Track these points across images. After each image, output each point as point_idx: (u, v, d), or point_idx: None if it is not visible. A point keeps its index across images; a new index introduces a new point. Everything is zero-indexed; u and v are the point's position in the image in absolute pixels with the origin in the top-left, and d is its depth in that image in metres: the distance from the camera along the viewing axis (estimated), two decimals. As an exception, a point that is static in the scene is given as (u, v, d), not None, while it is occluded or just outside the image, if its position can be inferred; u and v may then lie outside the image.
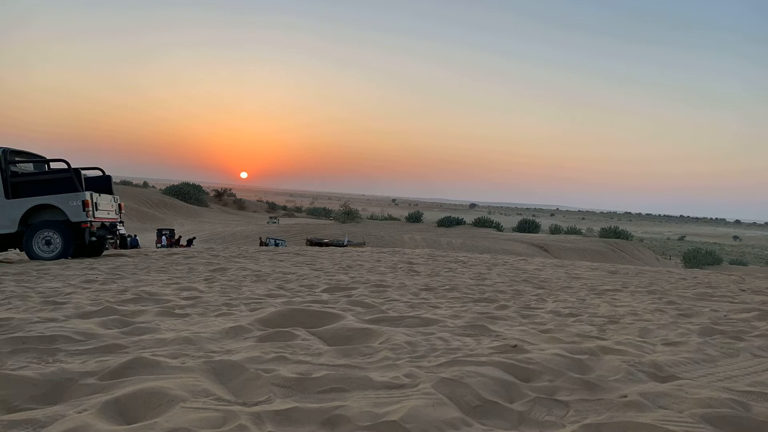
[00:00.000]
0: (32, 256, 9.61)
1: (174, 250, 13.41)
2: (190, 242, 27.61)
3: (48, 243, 9.65)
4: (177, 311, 3.66)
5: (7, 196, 9.66)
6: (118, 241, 10.86)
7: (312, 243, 30.00)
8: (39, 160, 10.56)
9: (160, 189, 70.18)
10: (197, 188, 69.14)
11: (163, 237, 28.18)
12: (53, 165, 10.45)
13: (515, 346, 2.70)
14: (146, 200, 54.21)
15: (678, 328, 3.62)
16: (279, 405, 1.80)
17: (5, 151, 9.77)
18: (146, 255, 10.74)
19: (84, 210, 9.71)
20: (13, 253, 11.18)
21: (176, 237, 29.16)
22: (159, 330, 2.97)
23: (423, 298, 4.84)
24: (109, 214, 10.60)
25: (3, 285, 5.27)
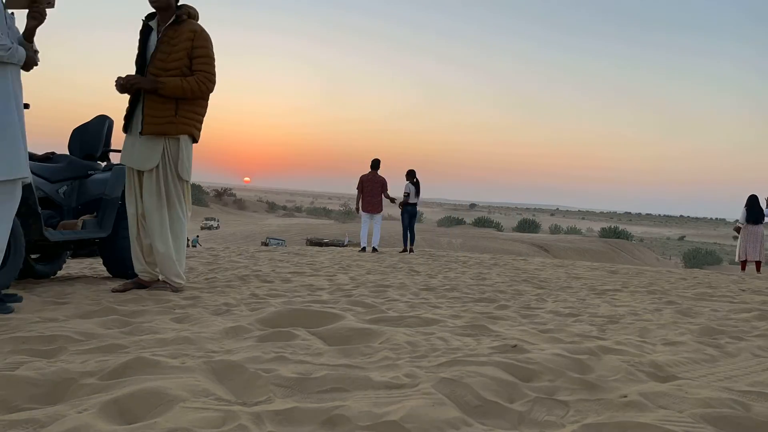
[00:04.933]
0: (32, 256, 9.62)
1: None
2: None
3: (48, 243, 9.67)
4: (177, 311, 3.66)
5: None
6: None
7: (312, 243, 30.00)
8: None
9: (160, 189, 70.17)
10: (197, 188, 69.21)
11: None
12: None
13: (515, 346, 2.70)
14: (146, 200, 54.19)
15: (678, 328, 3.62)
16: (279, 405, 1.80)
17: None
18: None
19: None
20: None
21: None
22: (159, 330, 2.97)
23: (423, 298, 4.84)
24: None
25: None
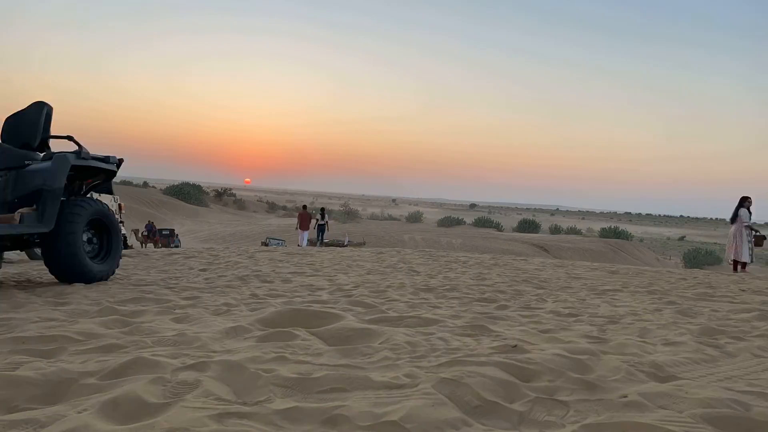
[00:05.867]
0: (32, 257, 9.61)
1: (174, 250, 13.41)
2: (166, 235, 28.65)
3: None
4: (177, 311, 3.66)
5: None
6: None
7: (312, 243, 30.11)
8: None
9: (161, 189, 70.29)
10: (197, 188, 69.25)
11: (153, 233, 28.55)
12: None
13: (515, 346, 2.70)
14: (146, 200, 54.26)
15: (678, 328, 3.62)
16: (279, 405, 1.80)
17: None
18: (146, 255, 10.74)
19: None
20: (13, 254, 11.18)
21: (156, 232, 29.34)
22: (159, 330, 2.97)
23: (423, 298, 4.84)
24: (109, 214, 10.61)
25: (3, 285, 5.27)
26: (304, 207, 24.74)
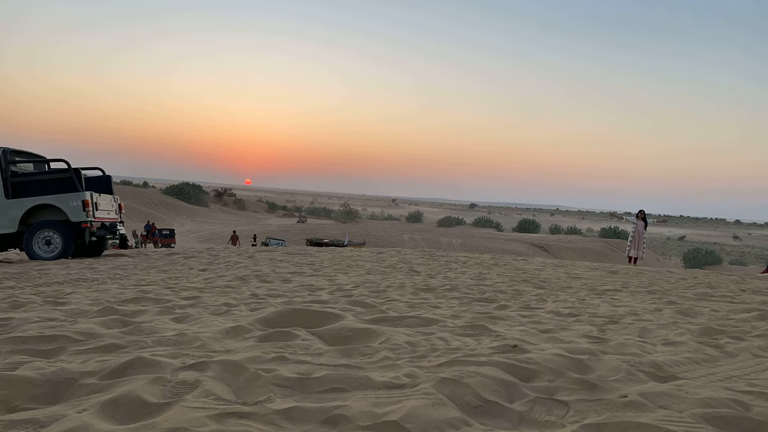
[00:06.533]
0: (32, 256, 9.62)
1: (174, 250, 13.40)
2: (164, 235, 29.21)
3: (48, 243, 9.66)
4: (177, 311, 3.66)
5: (7, 196, 9.66)
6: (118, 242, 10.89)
7: (312, 243, 30.16)
8: (39, 160, 10.57)
9: (161, 189, 70.32)
10: (197, 188, 69.29)
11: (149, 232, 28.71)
12: (53, 165, 10.46)
13: (515, 346, 2.70)
14: (146, 200, 54.27)
15: (678, 328, 3.62)
16: (279, 405, 1.80)
17: (5, 151, 9.78)
18: (146, 255, 10.75)
19: (84, 210, 9.73)
20: (13, 253, 11.19)
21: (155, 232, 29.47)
22: (159, 330, 2.97)
23: (423, 298, 4.84)
24: (109, 214, 10.61)
25: (3, 285, 5.27)
26: (234, 232, 32.91)
